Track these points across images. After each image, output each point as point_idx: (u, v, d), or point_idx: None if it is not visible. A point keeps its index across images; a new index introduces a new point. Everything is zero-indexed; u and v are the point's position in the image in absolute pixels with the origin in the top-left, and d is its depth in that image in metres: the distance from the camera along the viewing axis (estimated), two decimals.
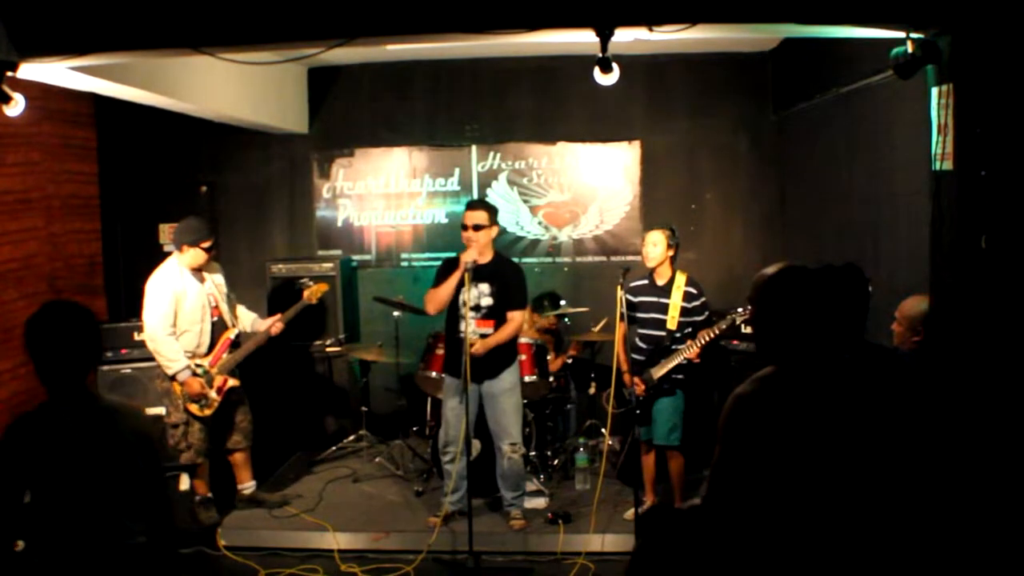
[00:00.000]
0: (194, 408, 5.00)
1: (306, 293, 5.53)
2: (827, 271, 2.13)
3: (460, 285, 4.78)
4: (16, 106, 3.89)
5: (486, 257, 4.87)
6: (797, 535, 1.99)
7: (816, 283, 2.11)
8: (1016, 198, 3.05)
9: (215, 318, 5.14)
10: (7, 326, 5.88)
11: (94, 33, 3.71)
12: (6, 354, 5.86)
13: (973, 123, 3.15)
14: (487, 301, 4.88)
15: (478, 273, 4.81)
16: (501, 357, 4.92)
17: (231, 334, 5.21)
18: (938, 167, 3.34)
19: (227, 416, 5.21)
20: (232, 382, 5.15)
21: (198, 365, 5.01)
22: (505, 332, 4.86)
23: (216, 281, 5.23)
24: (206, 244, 5.03)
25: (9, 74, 3.79)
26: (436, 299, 4.90)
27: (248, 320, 5.38)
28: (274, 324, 5.30)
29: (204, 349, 5.07)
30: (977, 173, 3.12)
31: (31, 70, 3.93)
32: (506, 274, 4.94)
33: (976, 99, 3.15)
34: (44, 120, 6.31)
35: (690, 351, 4.71)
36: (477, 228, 4.81)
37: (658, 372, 4.78)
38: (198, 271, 5.10)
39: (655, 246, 4.87)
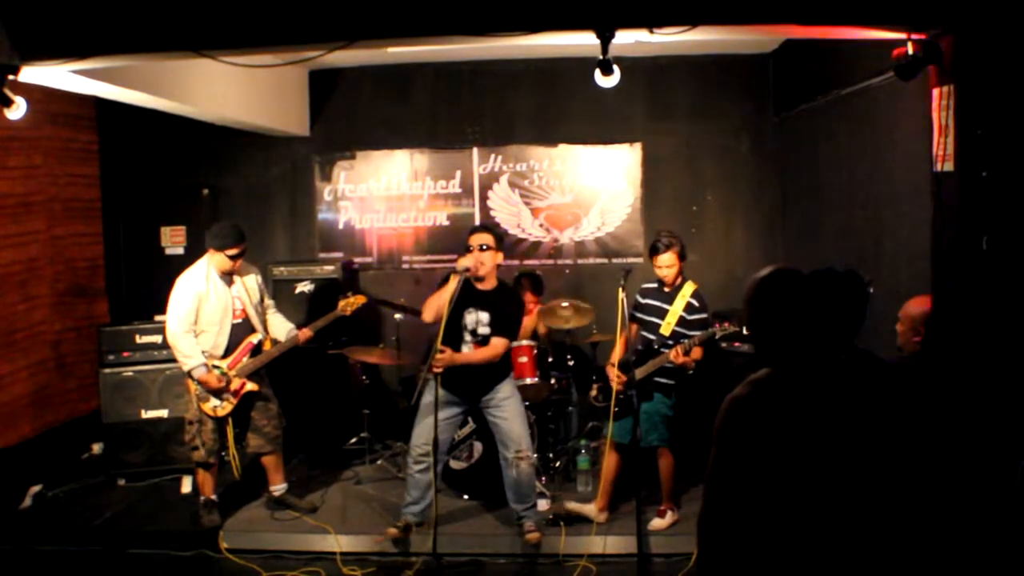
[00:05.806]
0: (207, 407, 4.98)
1: (341, 303, 5.35)
2: (825, 275, 2.13)
3: (462, 307, 4.68)
4: (18, 109, 3.90)
5: (490, 284, 4.79)
6: (794, 538, 1.99)
7: (808, 286, 2.11)
8: (1017, 199, 3.05)
9: (238, 320, 5.07)
10: (9, 329, 5.88)
11: (96, 36, 3.72)
12: (10, 357, 5.87)
13: (974, 124, 3.15)
14: (484, 330, 4.75)
15: (481, 301, 4.74)
16: (490, 375, 4.83)
17: (254, 338, 5.12)
18: (939, 168, 3.35)
19: (249, 420, 5.18)
20: (250, 386, 5.07)
21: (215, 366, 4.98)
22: (478, 355, 4.72)
23: (248, 284, 5.15)
24: (231, 252, 4.94)
25: (11, 77, 3.80)
26: (432, 306, 4.72)
27: (283, 330, 5.26)
28: (303, 332, 5.24)
29: (221, 351, 5.02)
30: (978, 174, 3.12)
31: (33, 73, 3.94)
32: (507, 304, 4.83)
33: (977, 100, 3.15)
34: (46, 123, 6.32)
35: (673, 356, 4.72)
36: (483, 249, 4.68)
37: (641, 373, 4.79)
38: (228, 273, 5.06)
39: (670, 267, 4.86)
